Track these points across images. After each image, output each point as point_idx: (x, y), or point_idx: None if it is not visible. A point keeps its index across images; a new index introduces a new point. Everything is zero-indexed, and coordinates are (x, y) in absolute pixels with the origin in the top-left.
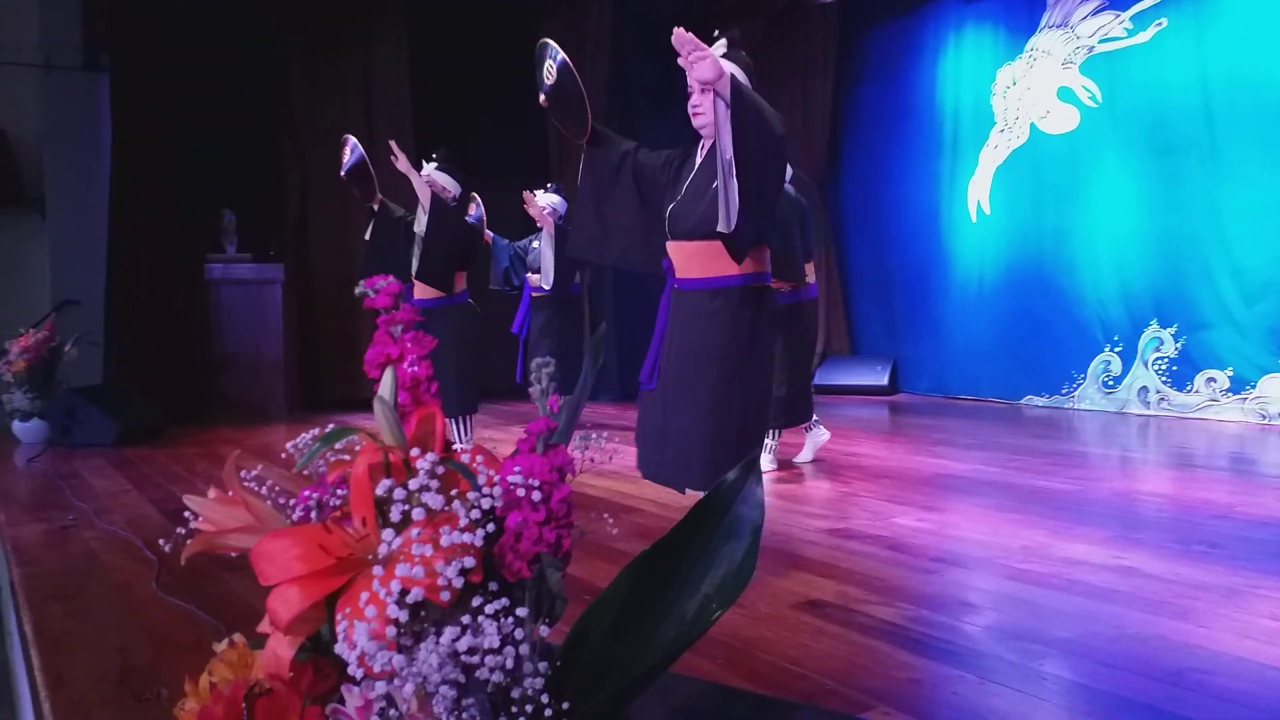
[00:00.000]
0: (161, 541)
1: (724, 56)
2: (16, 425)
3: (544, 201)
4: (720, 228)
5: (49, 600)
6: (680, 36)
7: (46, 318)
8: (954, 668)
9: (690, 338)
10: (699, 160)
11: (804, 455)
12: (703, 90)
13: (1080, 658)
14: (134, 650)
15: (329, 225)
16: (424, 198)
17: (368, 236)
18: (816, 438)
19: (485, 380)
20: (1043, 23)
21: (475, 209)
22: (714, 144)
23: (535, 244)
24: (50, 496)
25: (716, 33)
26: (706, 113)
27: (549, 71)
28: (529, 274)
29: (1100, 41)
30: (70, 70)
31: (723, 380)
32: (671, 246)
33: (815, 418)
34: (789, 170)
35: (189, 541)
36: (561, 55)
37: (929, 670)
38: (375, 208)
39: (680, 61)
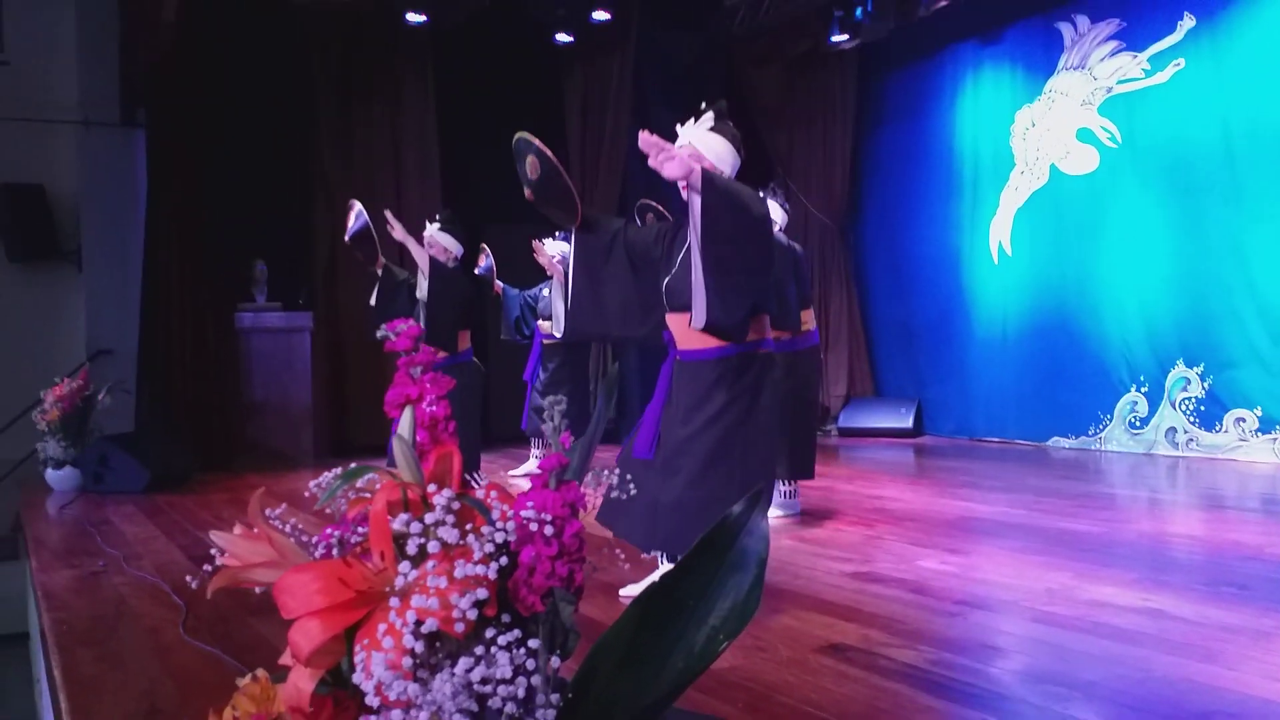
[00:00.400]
0: (189, 578)
1: (710, 129)
2: (50, 473)
3: (553, 249)
4: (692, 324)
5: (78, 645)
6: (645, 140)
7: (81, 367)
8: (976, 711)
9: (692, 409)
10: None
11: (775, 509)
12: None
13: (1106, 701)
14: (161, 694)
15: (357, 274)
16: (422, 263)
17: (373, 301)
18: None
19: (501, 428)
20: (1060, 65)
21: (485, 259)
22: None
23: (545, 292)
24: (81, 543)
25: (704, 104)
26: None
27: (531, 167)
28: (539, 321)
29: (1118, 82)
30: (107, 126)
31: (720, 448)
32: (670, 319)
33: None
34: (783, 216)
35: (214, 575)
36: (538, 145)
37: (951, 714)
38: (379, 272)
39: (650, 163)
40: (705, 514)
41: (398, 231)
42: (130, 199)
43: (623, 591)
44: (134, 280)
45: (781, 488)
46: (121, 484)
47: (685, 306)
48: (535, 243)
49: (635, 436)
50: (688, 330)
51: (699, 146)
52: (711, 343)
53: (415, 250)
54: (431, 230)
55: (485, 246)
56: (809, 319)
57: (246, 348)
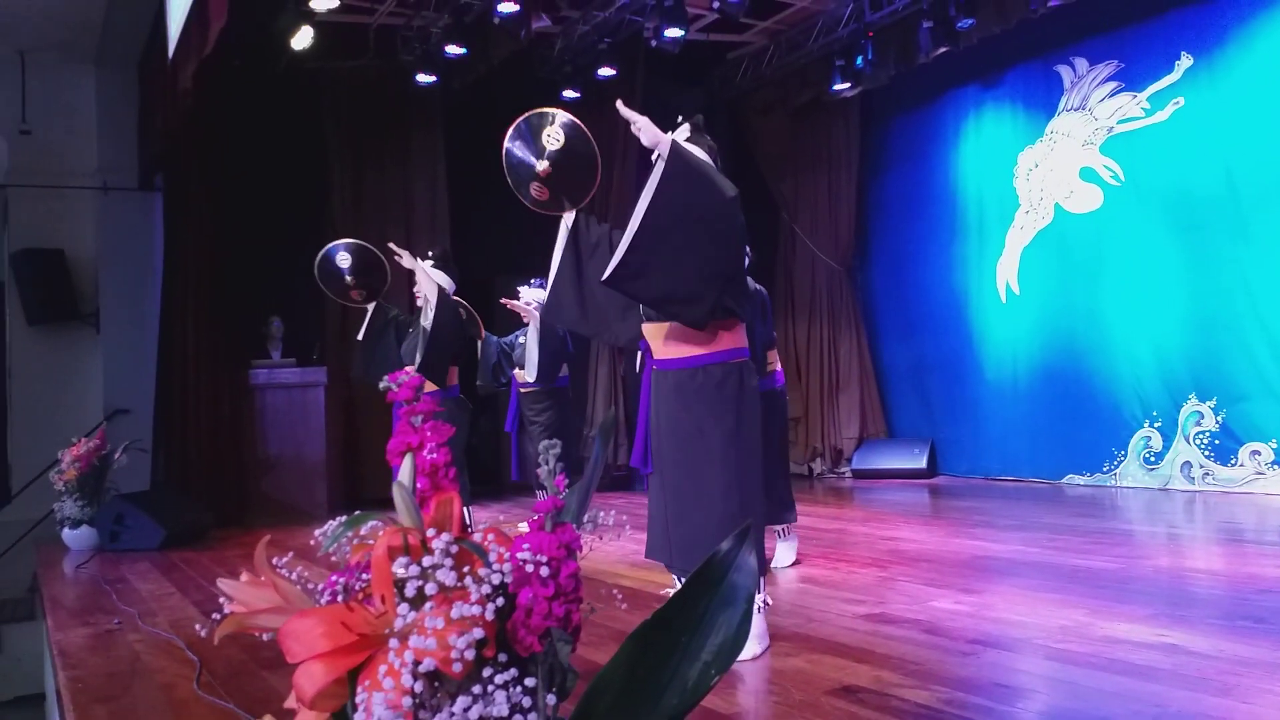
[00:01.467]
0: (198, 627)
1: (687, 140)
2: (66, 533)
3: (529, 296)
4: (602, 279)
5: (94, 702)
6: (624, 110)
7: (98, 427)
8: None
9: (677, 419)
10: None
11: (786, 556)
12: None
13: None
14: None
15: None
16: (431, 293)
17: (361, 336)
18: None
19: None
20: (1061, 106)
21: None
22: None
23: (521, 339)
24: (97, 601)
25: (680, 119)
26: None
27: (551, 137)
28: (515, 370)
29: (1119, 122)
30: (126, 191)
31: (716, 461)
32: (647, 328)
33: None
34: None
35: (221, 622)
36: (567, 117)
37: None
38: (369, 307)
39: (633, 129)
40: (712, 532)
41: (406, 259)
42: (147, 262)
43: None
44: (150, 341)
45: (778, 529)
46: (137, 542)
47: (663, 317)
48: (505, 300)
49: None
50: (664, 339)
51: None
52: (687, 351)
53: (425, 278)
54: (424, 266)
55: (463, 302)
56: (773, 359)
57: (261, 404)
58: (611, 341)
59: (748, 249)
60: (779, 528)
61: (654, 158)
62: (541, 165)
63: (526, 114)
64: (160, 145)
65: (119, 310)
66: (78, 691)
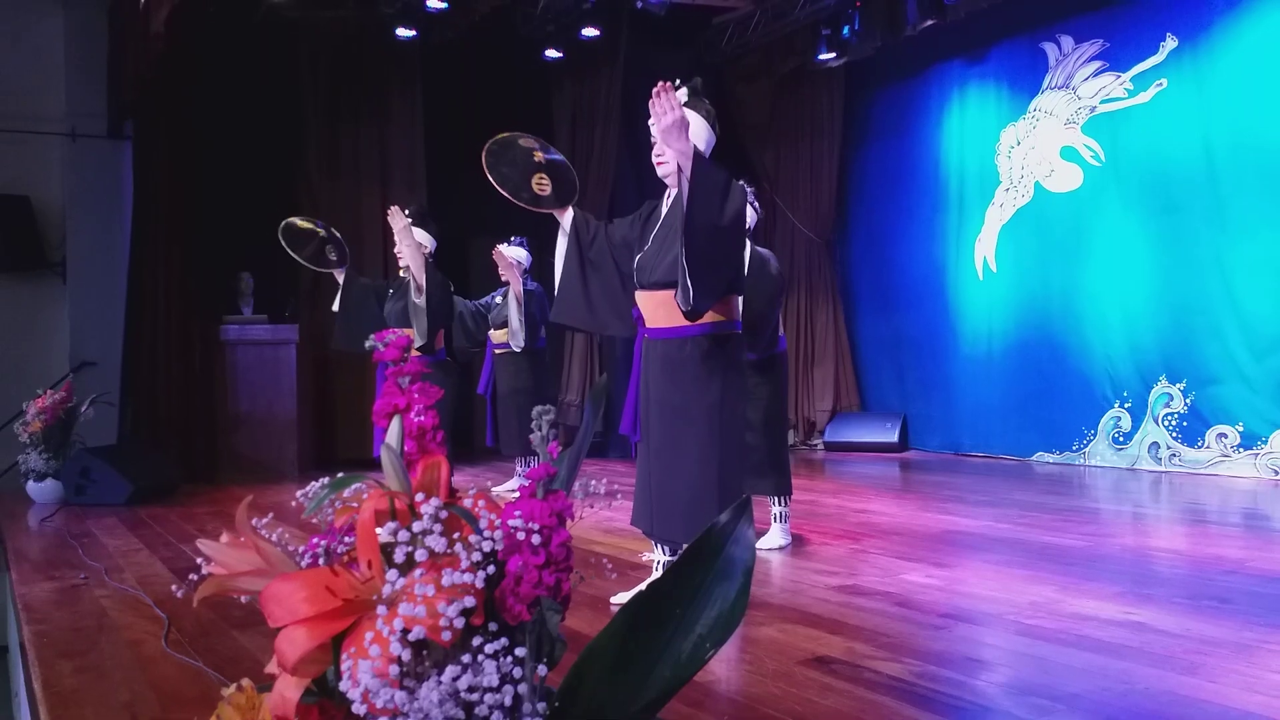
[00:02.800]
0: (174, 587)
1: (685, 104)
2: (31, 485)
3: (508, 253)
4: (679, 304)
5: (59, 657)
6: (666, 96)
7: (64, 379)
8: None
9: (664, 388)
10: (664, 210)
11: (776, 539)
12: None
13: (1089, 713)
14: (141, 706)
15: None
16: (415, 264)
17: (337, 307)
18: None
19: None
20: (1045, 84)
21: None
22: (678, 194)
23: (498, 300)
24: (62, 555)
25: (678, 81)
26: (670, 162)
27: (530, 150)
28: (492, 331)
29: (1102, 102)
30: (94, 138)
31: (699, 432)
32: (640, 296)
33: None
34: (753, 216)
35: (201, 583)
36: (530, 137)
37: None
38: (339, 279)
39: (653, 108)
40: (692, 503)
41: (398, 221)
42: (116, 211)
43: (614, 599)
44: (119, 292)
45: (774, 509)
46: (103, 496)
47: (655, 284)
48: (497, 250)
49: (622, 414)
50: (656, 308)
51: None
52: (679, 320)
53: (410, 248)
54: (411, 232)
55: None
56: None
57: (231, 360)
58: (614, 334)
59: (757, 206)
60: (777, 509)
61: (655, 155)
62: (538, 154)
63: (492, 141)
64: (131, 92)
65: (87, 260)
66: (43, 646)
